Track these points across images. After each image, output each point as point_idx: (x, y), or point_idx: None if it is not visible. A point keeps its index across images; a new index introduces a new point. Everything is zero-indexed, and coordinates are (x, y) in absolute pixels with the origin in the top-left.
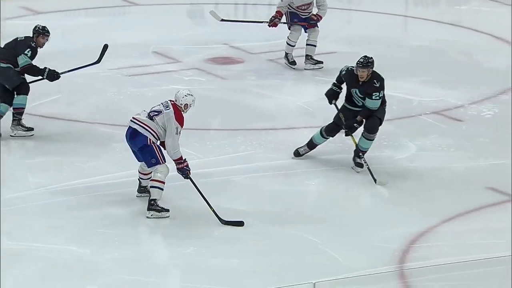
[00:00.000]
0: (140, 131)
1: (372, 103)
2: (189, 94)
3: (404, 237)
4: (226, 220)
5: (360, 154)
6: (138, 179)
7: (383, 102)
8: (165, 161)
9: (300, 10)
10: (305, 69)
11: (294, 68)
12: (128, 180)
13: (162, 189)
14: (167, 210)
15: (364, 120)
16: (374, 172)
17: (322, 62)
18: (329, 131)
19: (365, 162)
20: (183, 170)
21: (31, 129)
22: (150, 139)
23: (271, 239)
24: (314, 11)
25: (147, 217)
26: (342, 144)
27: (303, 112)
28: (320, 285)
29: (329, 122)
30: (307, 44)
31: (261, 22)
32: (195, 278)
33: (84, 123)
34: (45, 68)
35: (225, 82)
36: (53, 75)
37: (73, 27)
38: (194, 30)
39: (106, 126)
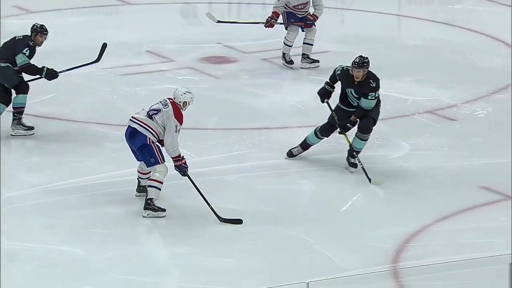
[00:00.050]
0: (140, 130)
1: (367, 103)
2: (187, 92)
3: (398, 236)
4: (224, 218)
5: (354, 154)
6: (137, 178)
7: (378, 102)
8: (164, 161)
9: (296, 10)
10: (301, 67)
11: (291, 68)
12: (123, 179)
13: (159, 189)
14: (164, 210)
15: (358, 120)
16: (368, 171)
17: (318, 61)
18: (324, 131)
19: (359, 162)
20: (181, 167)
21: (32, 128)
22: (149, 138)
23: (265, 238)
24: (311, 10)
25: (143, 216)
26: (336, 144)
27: (297, 112)
28: (314, 285)
29: (324, 123)
30: (304, 43)
31: (258, 23)
32: (191, 278)
33: (77, 122)
34: (43, 67)
35: (219, 81)
36: (51, 74)
37: (66, 26)
38: (187, 29)
39: (100, 125)
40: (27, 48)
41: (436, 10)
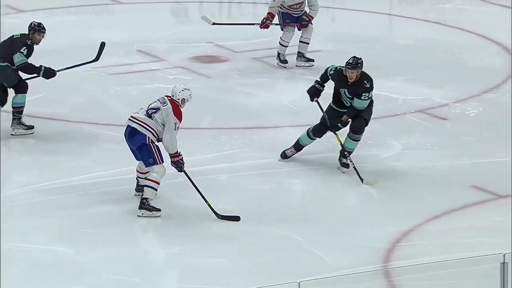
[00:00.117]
0: (139, 129)
1: (360, 103)
2: (186, 89)
3: (389, 236)
4: (222, 215)
5: (346, 154)
6: (136, 178)
7: (371, 103)
8: (162, 162)
9: (292, 9)
10: (296, 66)
11: (285, 67)
12: (115, 178)
13: (155, 189)
14: (159, 210)
15: (350, 120)
16: (359, 171)
17: (313, 60)
18: (316, 132)
19: (351, 162)
20: (178, 163)
21: (32, 127)
22: (149, 138)
23: (257, 238)
24: (307, 9)
25: (138, 216)
26: (328, 143)
27: (289, 111)
28: (305, 284)
29: (316, 123)
30: (300, 41)
31: (253, 24)
32: (184, 277)
33: (68, 122)
34: (41, 66)
35: (210, 80)
36: (49, 73)
37: (58, 25)
38: (178, 29)
39: (91, 125)
40: (24, 47)
41: (427, 10)
